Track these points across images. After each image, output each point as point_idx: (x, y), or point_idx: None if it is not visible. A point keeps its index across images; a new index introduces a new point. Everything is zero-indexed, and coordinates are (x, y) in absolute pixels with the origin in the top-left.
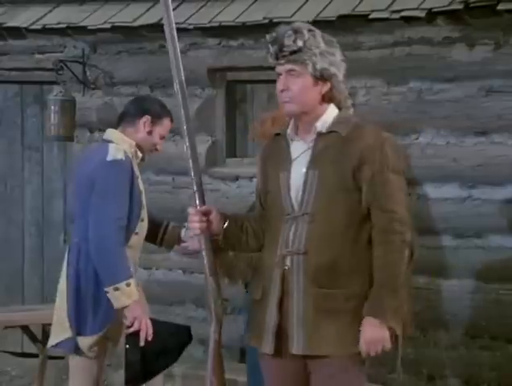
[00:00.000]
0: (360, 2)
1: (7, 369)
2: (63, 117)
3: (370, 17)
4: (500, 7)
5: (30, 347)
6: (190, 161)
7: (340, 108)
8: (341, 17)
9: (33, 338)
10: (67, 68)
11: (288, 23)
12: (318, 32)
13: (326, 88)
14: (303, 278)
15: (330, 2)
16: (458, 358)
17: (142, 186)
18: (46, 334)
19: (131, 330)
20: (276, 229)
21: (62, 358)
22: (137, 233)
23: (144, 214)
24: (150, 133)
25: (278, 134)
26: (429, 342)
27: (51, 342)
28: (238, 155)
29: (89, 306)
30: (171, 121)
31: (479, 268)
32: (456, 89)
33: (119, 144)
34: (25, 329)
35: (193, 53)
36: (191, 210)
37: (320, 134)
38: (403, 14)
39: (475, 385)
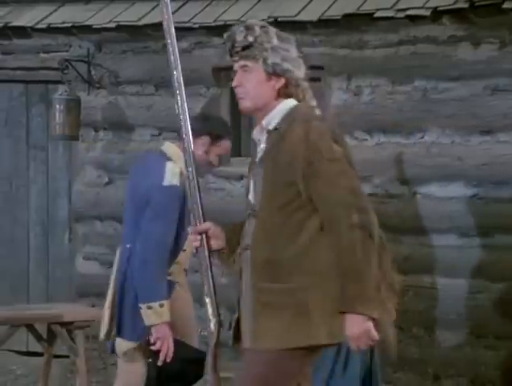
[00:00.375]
0: (365, 1)
1: (12, 368)
2: (68, 116)
3: (375, 16)
4: (505, 6)
5: (36, 346)
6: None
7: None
8: (346, 16)
9: (38, 337)
10: (72, 67)
11: (291, 23)
12: (272, 29)
13: (280, 83)
14: (250, 273)
15: (335, 1)
16: (463, 357)
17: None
18: (51, 333)
19: (153, 348)
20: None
21: (67, 357)
22: (184, 250)
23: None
24: (207, 152)
25: None
26: (434, 341)
27: (101, 336)
28: (243, 154)
29: (131, 314)
30: (231, 140)
31: (484, 267)
32: (461, 88)
33: (176, 161)
34: (30, 328)
35: (198, 52)
36: (189, 229)
37: (269, 132)
38: (408, 12)
39: (480, 384)
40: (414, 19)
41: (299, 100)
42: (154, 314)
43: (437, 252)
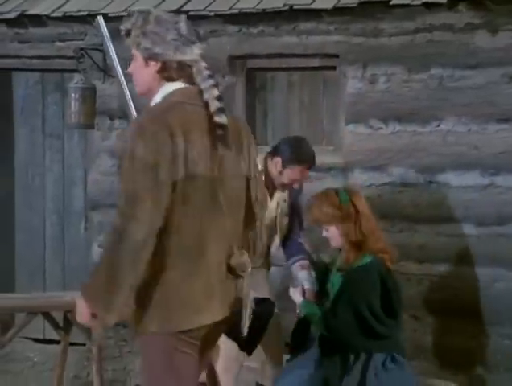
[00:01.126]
0: None
1: (29, 355)
2: (83, 104)
3: (391, 3)
4: None
5: (52, 334)
6: None
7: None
8: (362, 3)
9: (55, 324)
10: (87, 56)
11: (306, 11)
12: (154, 14)
13: (157, 67)
14: None
15: None
16: (479, 346)
17: None
18: (67, 321)
19: None
20: None
21: (83, 345)
22: None
23: None
24: (280, 173)
25: None
26: (450, 330)
27: None
28: (258, 143)
29: None
30: (307, 168)
31: (501, 256)
32: (478, 76)
33: None
34: (47, 315)
35: (213, 40)
36: None
37: None
38: (425, 0)
39: (497, 373)
40: (430, 7)
41: (191, 83)
42: None
43: (453, 241)
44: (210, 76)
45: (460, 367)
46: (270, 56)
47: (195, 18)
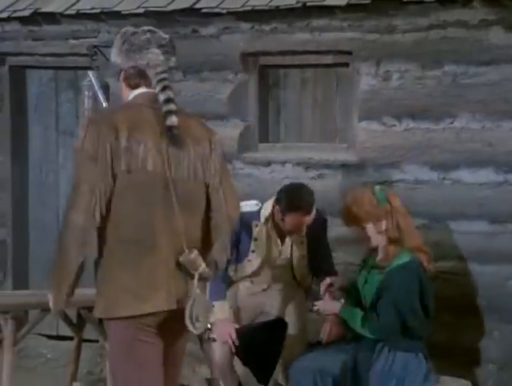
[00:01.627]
0: None
1: (43, 351)
2: (96, 102)
3: (405, 0)
4: None
5: (66, 330)
6: None
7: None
8: (375, 0)
9: (68, 321)
10: (100, 53)
11: (319, 7)
12: (121, 31)
13: (122, 77)
14: None
15: None
16: (493, 344)
17: (254, 244)
18: (80, 318)
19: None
20: None
21: (96, 341)
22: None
23: (252, 256)
24: (282, 220)
25: None
26: (463, 327)
27: None
28: (271, 140)
29: None
30: (304, 215)
31: None
32: (492, 72)
33: (265, 209)
34: (60, 312)
35: (226, 37)
36: None
37: None
38: None
39: (510, 371)
40: (444, 3)
41: (150, 87)
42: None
43: (467, 238)
44: (162, 80)
45: (473, 364)
46: (282, 53)
47: (207, 16)
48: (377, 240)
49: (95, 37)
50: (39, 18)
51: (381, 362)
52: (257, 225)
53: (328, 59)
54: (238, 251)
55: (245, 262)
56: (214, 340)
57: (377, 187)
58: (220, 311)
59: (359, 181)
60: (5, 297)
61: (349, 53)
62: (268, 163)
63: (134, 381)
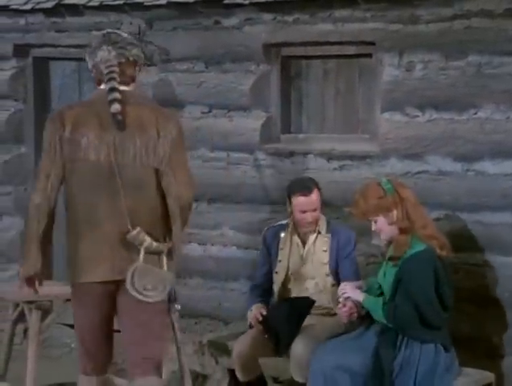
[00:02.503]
0: None
1: (67, 341)
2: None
3: None
4: None
5: None
6: None
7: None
8: None
9: None
10: None
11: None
12: (93, 33)
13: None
14: None
15: None
16: None
17: (280, 254)
18: None
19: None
20: None
21: (118, 331)
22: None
23: (278, 267)
24: (292, 212)
25: None
26: (486, 319)
27: None
28: (293, 131)
29: None
30: (301, 195)
31: None
32: None
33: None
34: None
35: (248, 29)
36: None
37: None
38: None
39: None
40: None
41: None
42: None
43: (491, 229)
44: (109, 72)
45: (496, 356)
46: (305, 44)
47: (230, 7)
48: (390, 231)
49: (118, 28)
50: (62, 9)
51: (401, 354)
52: (283, 235)
53: (351, 50)
54: (271, 264)
55: (274, 276)
56: (178, 311)
57: (384, 179)
58: (255, 309)
59: (381, 172)
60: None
61: (372, 44)
62: (290, 154)
63: (78, 327)
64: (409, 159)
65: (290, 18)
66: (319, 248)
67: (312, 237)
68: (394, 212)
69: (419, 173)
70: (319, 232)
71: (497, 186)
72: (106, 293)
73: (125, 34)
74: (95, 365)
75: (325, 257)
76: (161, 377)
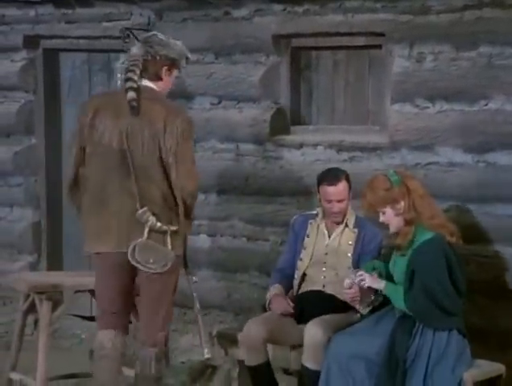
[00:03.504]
0: None
1: (77, 332)
2: None
3: None
4: None
5: None
6: None
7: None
8: None
9: None
10: (133, 36)
11: None
12: None
13: None
14: None
15: None
16: None
17: (306, 241)
18: None
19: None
20: None
21: (129, 322)
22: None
23: (303, 254)
24: (320, 200)
25: None
26: (498, 311)
27: None
28: (303, 122)
29: None
30: (328, 185)
31: None
32: None
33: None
34: (94, 293)
35: (258, 19)
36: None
37: None
38: None
39: None
40: None
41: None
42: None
43: (501, 221)
44: (130, 66)
45: (508, 348)
46: (315, 35)
47: None
48: (397, 223)
49: (128, 19)
50: (72, 0)
51: (415, 344)
52: (311, 223)
53: (361, 41)
54: (296, 251)
55: (298, 263)
56: (195, 281)
57: (391, 171)
58: (273, 289)
59: (391, 164)
60: (40, 278)
61: (382, 35)
62: (300, 146)
63: (97, 292)
64: (419, 151)
65: (300, 9)
66: (345, 241)
67: (339, 229)
68: (402, 203)
69: (429, 164)
70: (346, 225)
71: (508, 178)
72: (118, 264)
73: (161, 36)
74: (114, 325)
75: (350, 250)
76: (164, 347)
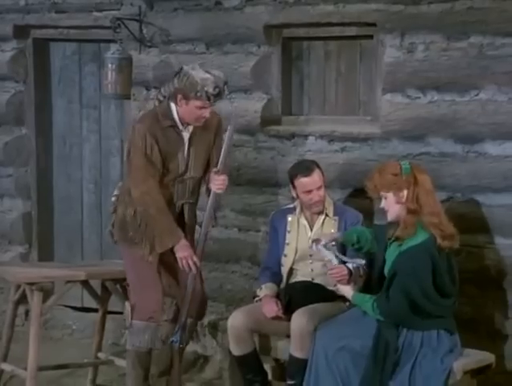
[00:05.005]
0: None
1: (69, 323)
2: (120, 74)
3: None
4: None
5: (91, 302)
6: None
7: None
8: None
9: (93, 293)
10: (124, 26)
11: None
12: None
13: None
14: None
15: None
16: None
17: (288, 237)
18: (105, 290)
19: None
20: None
21: (121, 313)
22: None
23: (287, 250)
24: (297, 196)
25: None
26: (488, 301)
27: None
28: (294, 113)
29: None
30: (306, 176)
31: None
32: None
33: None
34: (85, 284)
35: (249, 9)
36: None
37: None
38: None
39: None
40: None
41: None
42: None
43: (492, 211)
44: None
45: (497, 337)
46: (306, 25)
47: None
48: (396, 211)
49: (118, 9)
50: None
51: (403, 335)
52: (290, 218)
53: (352, 31)
54: (279, 247)
55: (283, 258)
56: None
57: (406, 160)
58: (265, 289)
59: (383, 154)
60: (31, 269)
61: (374, 25)
62: (291, 136)
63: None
64: (410, 141)
65: None
66: (327, 230)
67: (320, 220)
68: (405, 192)
69: (420, 155)
70: (326, 215)
71: (499, 168)
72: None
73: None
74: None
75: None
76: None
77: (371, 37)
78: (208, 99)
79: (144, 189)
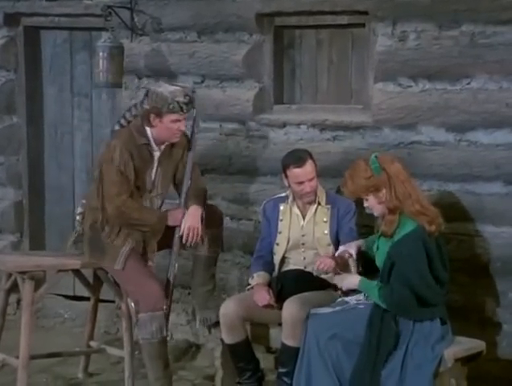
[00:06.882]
0: None
1: (60, 312)
2: (111, 63)
3: None
4: None
5: (82, 291)
6: None
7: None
8: None
9: (85, 282)
10: (115, 14)
11: None
12: None
13: None
14: None
15: None
16: (508, 304)
17: (280, 225)
18: (97, 278)
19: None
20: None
21: (113, 301)
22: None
23: (279, 238)
24: (289, 185)
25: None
26: (478, 289)
27: None
28: (286, 102)
29: None
30: (298, 166)
31: None
32: (510, 32)
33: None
34: (77, 273)
35: None
36: None
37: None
38: None
39: None
40: None
41: None
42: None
43: (483, 199)
44: None
45: (487, 325)
46: (298, 14)
47: None
48: (380, 209)
49: None
50: None
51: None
52: (282, 207)
53: (344, 20)
54: (271, 235)
55: (275, 247)
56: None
57: (373, 156)
58: (257, 278)
59: (374, 143)
60: (22, 258)
61: (365, 13)
62: (283, 125)
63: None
64: (402, 130)
65: None
66: (319, 219)
67: (313, 208)
68: (383, 191)
69: (411, 143)
70: (319, 204)
71: (490, 157)
72: None
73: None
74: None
75: (326, 228)
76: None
77: (363, 25)
78: (181, 109)
79: (118, 203)
